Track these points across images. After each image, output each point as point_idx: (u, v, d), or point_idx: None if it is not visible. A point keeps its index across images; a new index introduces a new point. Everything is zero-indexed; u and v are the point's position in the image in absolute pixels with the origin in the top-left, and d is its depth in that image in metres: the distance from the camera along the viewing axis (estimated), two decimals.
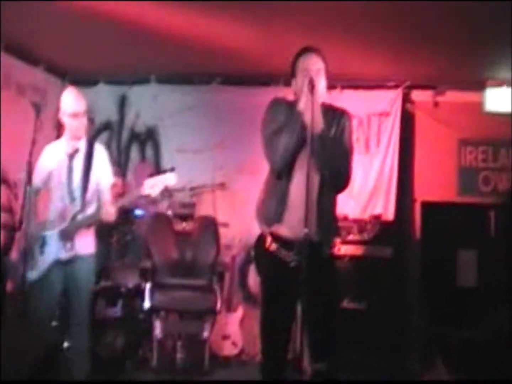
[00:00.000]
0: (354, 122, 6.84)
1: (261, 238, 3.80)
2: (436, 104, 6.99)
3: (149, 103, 7.42)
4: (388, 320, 6.20)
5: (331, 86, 3.79)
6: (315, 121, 3.47)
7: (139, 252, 6.43)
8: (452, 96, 6.93)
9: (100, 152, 4.77)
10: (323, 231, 3.63)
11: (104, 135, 7.53)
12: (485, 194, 6.86)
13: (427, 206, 6.56)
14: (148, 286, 6.01)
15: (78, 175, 4.61)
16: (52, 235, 4.51)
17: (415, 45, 5.79)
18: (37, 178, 4.65)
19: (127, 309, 5.88)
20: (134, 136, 7.55)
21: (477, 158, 6.96)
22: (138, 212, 6.64)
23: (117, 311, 5.82)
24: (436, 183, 6.86)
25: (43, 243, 4.53)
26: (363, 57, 6.24)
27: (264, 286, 3.87)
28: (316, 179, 3.58)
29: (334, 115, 3.73)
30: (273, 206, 3.69)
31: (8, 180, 6.06)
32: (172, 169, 4.44)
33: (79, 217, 4.54)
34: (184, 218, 6.57)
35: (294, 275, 3.51)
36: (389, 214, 6.85)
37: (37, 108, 4.51)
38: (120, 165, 7.35)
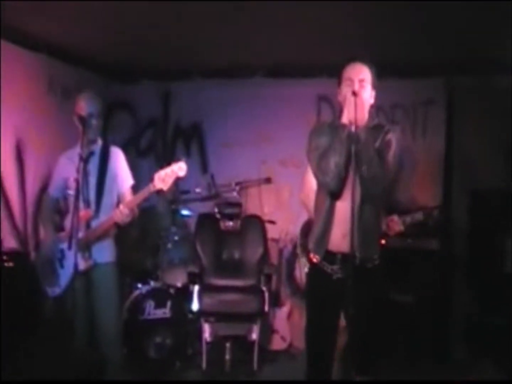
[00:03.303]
0: (400, 112, 6.92)
1: None
2: (481, 89, 6.80)
3: (193, 98, 7.38)
4: (435, 310, 6.23)
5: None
6: (358, 131, 3.44)
7: (187, 252, 6.46)
8: (498, 81, 6.73)
9: (117, 154, 4.60)
10: (365, 246, 3.64)
11: (149, 132, 7.62)
12: None
13: (474, 194, 6.52)
14: (196, 288, 6.07)
15: (93, 179, 4.44)
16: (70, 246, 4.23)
17: (459, 31, 5.56)
18: (53, 188, 4.62)
19: (176, 310, 5.94)
20: (179, 132, 7.56)
21: None
22: (185, 212, 6.67)
23: (166, 312, 5.91)
24: (484, 171, 6.70)
25: (62, 255, 4.41)
26: (407, 44, 6.08)
27: (307, 296, 3.96)
28: (359, 193, 3.57)
29: (381, 130, 3.70)
30: (320, 229, 3.72)
31: None
32: (180, 159, 4.28)
33: (94, 223, 4.38)
34: (230, 217, 6.59)
35: (337, 288, 3.58)
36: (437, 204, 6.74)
37: (84, 123, 4.31)
38: (166, 162, 7.35)
